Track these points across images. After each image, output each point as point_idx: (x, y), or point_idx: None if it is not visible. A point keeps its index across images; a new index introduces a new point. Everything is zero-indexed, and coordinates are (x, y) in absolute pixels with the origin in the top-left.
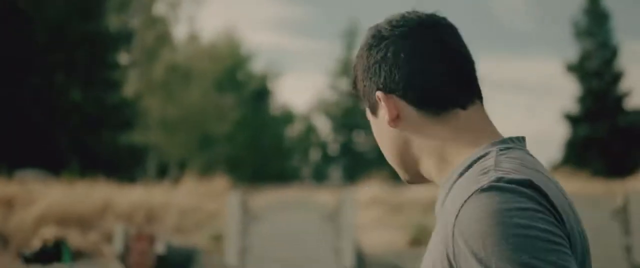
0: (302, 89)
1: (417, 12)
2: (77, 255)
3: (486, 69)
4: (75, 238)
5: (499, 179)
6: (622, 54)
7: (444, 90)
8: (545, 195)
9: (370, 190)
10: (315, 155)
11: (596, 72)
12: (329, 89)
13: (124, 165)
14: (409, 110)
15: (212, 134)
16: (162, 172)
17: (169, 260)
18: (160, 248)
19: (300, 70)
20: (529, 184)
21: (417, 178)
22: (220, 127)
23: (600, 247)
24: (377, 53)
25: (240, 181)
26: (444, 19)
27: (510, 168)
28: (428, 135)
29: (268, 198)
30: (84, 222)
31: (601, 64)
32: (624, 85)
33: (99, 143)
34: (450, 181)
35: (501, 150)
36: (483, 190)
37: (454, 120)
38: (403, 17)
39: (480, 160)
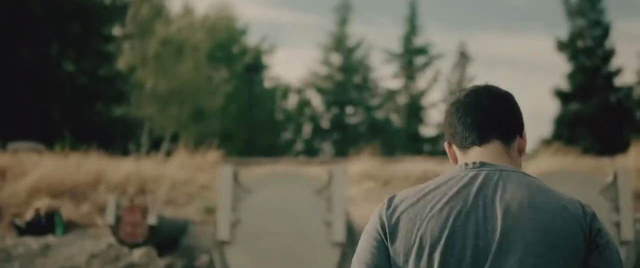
0: (295, 63)
1: (473, 86)
2: (70, 226)
3: (480, 46)
4: (67, 210)
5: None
6: (613, 33)
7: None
8: (391, 207)
9: (361, 164)
10: (307, 129)
11: (587, 50)
12: (322, 64)
13: (117, 138)
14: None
15: (204, 107)
16: (155, 145)
17: (160, 232)
18: (152, 219)
19: (294, 44)
20: (388, 198)
21: None
22: (213, 100)
23: None
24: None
25: (233, 154)
26: (484, 86)
27: (410, 188)
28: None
29: (260, 171)
30: (76, 194)
31: (592, 42)
32: (615, 63)
33: (92, 116)
34: None
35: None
36: None
37: (472, 153)
38: (459, 90)
39: None
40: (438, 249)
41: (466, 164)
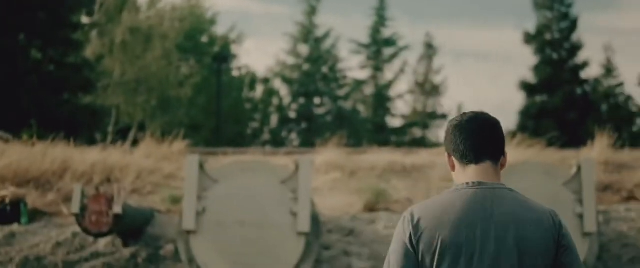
0: (264, 53)
1: (470, 112)
2: (35, 214)
3: (448, 38)
4: (33, 198)
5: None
6: (580, 26)
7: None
8: (414, 220)
9: (327, 154)
10: (274, 119)
11: (554, 43)
12: (289, 54)
13: (84, 127)
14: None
15: (172, 96)
16: (122, 134)
17: (126, 221)
18: (117, 208)
19: (263, 34)
20: (410, 212)
21: None
22: (180, 90)
23: None
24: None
25: (199, 144)
26: (480, 114)
27: (420, 204)
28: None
29: (226, 161)
30: (42, 182)
31: (559, 35)
32: (581, 56)
33: (59, 104)
34: None
35: (454, 190)
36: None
37: (469, 170)
38: (460, 115)
39: None
40: (453, 253)
41: (467, 183)
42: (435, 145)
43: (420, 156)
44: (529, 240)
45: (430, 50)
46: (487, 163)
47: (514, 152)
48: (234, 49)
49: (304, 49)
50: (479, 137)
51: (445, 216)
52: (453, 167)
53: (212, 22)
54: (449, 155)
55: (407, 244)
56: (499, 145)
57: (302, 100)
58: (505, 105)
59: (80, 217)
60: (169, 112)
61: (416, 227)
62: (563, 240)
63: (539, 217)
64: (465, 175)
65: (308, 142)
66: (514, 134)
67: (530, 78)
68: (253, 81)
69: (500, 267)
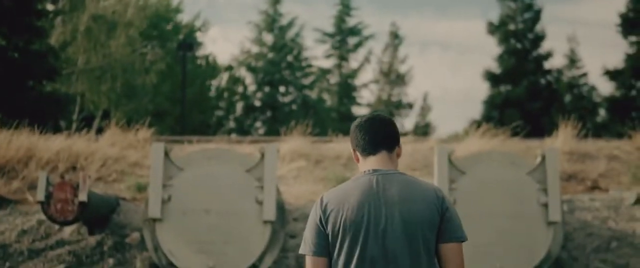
0: (230, 41)
1: (369, 114)
2: (0, 202)
3: (414, 28)
4: None
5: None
6: (544, 16)
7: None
8: (321, 203)
9: (292, 142)
10: (239, 107)
11: (518, 33)
12: (254, 42)
13: (49, 114)
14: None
15: (137, 84)
16: (87, 122)
17: (91, 209)
18: (82, 196)
19: (228, 22)
20: (320, 198)
21: None
22: (145, 78)
23: (518, 205)
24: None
25: (165, 132)
26: (376, 114)
27: (332, 189)
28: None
29: (191, 149)
30: (7, 170)
31: (523, 25)
32: (545, 46)
33: (23, 92)
34: None
35: (355, 178)
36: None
37: (369, 160)
38: (361, 116)
39: None
40: (353, 230)
41: (365, 171)
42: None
43: None
44: (414, 213)
45: (395, 39)
46: (383, 153)
47: (478, 141)
48: (199, 37)
49: (268, 38)
50: (375, 133)
51: (346, 199)
52: (357, 160)
53: (178, 10)
54: (354, 150)
55: (318, 224)
56: (392, 138)
57: (267, 89)
58: (470, 95)
59: (45, 205)
60: (133, 100)
61: (324, 210)
62: (446, 212)
63: (423, 194)
64: (366, 164)
65: (273, 130)
66: (478, 124)
67: (495, 68)
68: (217, 69)
69: (389, 237)
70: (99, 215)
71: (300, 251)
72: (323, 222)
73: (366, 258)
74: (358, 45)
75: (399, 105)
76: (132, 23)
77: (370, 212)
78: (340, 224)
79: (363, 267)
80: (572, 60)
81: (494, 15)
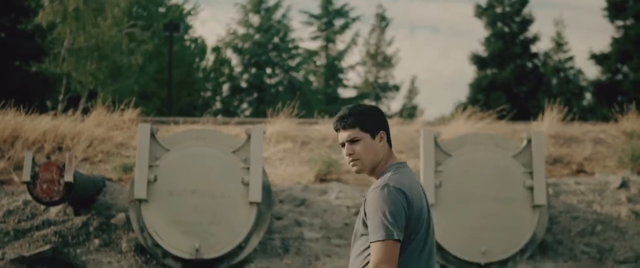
0: (215, 22)
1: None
2: None
3: (403, 11)
4: None
5: (386, 184)
6: (531, 0)
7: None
8: (404, 193)
9: (279, 124)
10: (225, 88)
11: (505, 16)
12: (240, 24)
13: (35, 94)
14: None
15: (123, 65)
16: (73, 102)
17: (77, 189)
18: (68, 177)
19: (217, 3)
20: (399, 186)
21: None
22: (132, 58)
23: (503, 188)
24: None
25: (151, 113)
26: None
27: (395, 179)
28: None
29: (178, 130)
30: None
31: (511, 8)
32: (532, 29)
33: (10, 72)
34: (382, 176)
35: (396, 169)
36: (382, 185)
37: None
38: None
39: (389, 173)
40: (424, 219)
41: (402, 162)
42: (387, 116)
43: None
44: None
45: (382, 21)
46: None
47: (464, 124)
48: (187, 18)
49: (255, 19)
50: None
51: (414, 191)
52: (383, 145)
53: None
54: (382, 131)
55: (405, 210)
56: None
57: (253, 70)
58: (457, 78)
59: (31, 185)
60: (120, 81)
61: (408, 199)
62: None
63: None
64: (391, 155)
65: (259, 112)
66: (464, 106)
67: (481, 51)
68: (204, 50)
69: (433, 230)
70: (85, 195)
71: (385, 237)
72: (407, 211)
73: (427, 249)
74: (344, 27)
75: (385, 88)
76: (120, 4)
77: (426, 206)
78: (418, 215)
79: (428, 258)
80: (559, 44)
81: None
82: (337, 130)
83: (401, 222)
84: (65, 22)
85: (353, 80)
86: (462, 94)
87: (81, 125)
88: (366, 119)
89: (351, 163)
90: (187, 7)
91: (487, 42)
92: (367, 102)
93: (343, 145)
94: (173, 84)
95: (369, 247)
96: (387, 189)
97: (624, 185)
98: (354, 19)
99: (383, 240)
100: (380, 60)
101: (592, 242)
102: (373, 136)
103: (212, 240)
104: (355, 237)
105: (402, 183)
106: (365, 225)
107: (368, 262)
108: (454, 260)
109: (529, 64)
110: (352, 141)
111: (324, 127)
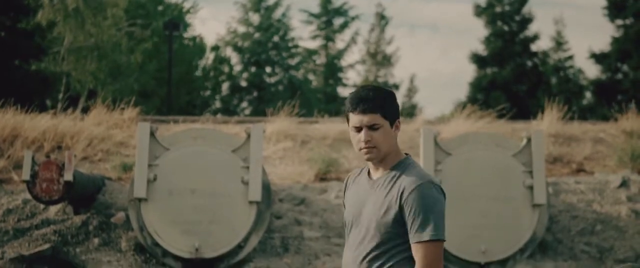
0: (215, 21)
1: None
2: None
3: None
4: None
5: (431, 181)
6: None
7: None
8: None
9: (278, 123)
10: (225, 87)
11: (505, 15)
12: (240, 22)
13: (35, 93)
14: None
15: (122, 63)
16: (73, 101)
17: (77, 188)
18: (68, 176)
19: (217, 2)
20: (441, 187)
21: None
22: (132, 57)
23: (503, 187)
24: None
25: (151, 112)
26: None
27: (432, 176)
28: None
29: (177, 129)
30: None
31: (510, 7)
32: (532, 28)
33: (10, 70)
34: (402, 166)
35: (415, 163)
36: (427, 181)
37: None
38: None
39: (410, 163)
40: None
41: (408, 155)
42: None
43: None
44: None
45: (382, 20)
46: None
47: (464, 123)
48: (186, 16)
49: (255, 18)
50: None
51: None
52: (396, 130)
53: None
54: (399, 122)
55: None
56: None
57: (253, 69)
58: (456, 77)
59: (30, 184)
60: (119, 79)
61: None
62: None
63: None
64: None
65: (259, 111)
66: (464, 105)
67: (481, 50)
68: (202, 49)
69: None
70: (84, 194)
71: (440, 236)
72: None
73: None
74: (344, 26)
75: (385, 87)
76: (118, 3)
77: None
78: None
79: None
80: (559, 43)
81: None
82: (353, 111)
83: (444, 216)
84: (65, 21)
85: (353, 79)
86: (462, 92)
87: (81, 124)
88: (389, 104)
89: (366, 150)
90: (186, 5)
91: (487, 41)
92: None
93: (358, 129)
94: (173, 82)
95: (398, 244)
96: (435, 187)
97: (623, 184)
98: (353, 18)
99: (437, 241)
100: (380, 59)
101: (592, 241)
102: (392, 124)
103: (211, 240)
104: (363, 229)
105: (435, 177)
106: (396, 221)
107: (397, 261)
108: (454, 259)
109: (529, 63)
110: (372, 127)
111: (324, 126)
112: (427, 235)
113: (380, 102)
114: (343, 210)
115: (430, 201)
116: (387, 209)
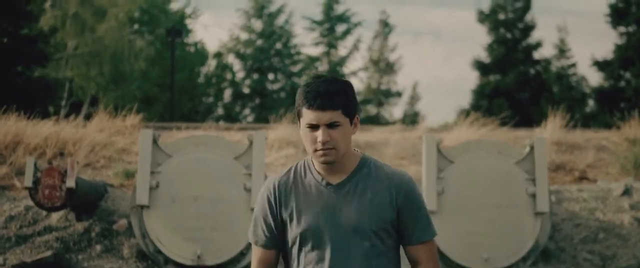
0: (218, 27)
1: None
2: None
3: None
4: None
5: (411, 177)
6: (534, 6)
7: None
8: None
9: (281, 130)
10: (227, 94)
11: (508, 23)
12: (243, 29)
13: (37, 99)
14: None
15: (125, 70)
16: (75, 108)
17: (79, 195)
18: (70, 182)
19: (219, 8)
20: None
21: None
22: (134, 63)
23: (505, 195)
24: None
25: (153, 118)
26: None
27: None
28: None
29: (180, 136)
30: None
31: (513, 14)
32: (535, 36)
33: (12, 77)
34: (366, 165)
35: (374, 159)
36: (410, 177)
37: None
38: None
39: (373, 161)
40: None
41: (357, 150)
42: (389, 122)
43: (374, 133)
44: None
45: (385, 27)
46: None
47: (467, 131)
48: (189, 23)
49: (257, 25)
50: None
51: None
52: (355, 128)
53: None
54: (358, 117)
55: None
56: None
57: (255, 76)
58: (459, 84)
59: (33, 191)
60: (122, 86)
61: None
62: None
63: None
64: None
65: (262, 118)
66: (467, 113)
67: (484, 57)
68: (205, 55)
69: None
70: (86, 201)
71: (436, 233)
72: None
73: None
74: (346, 33)
75: (387, 94)
76: (122, 8)
77: None
78: None
79: None
80: (562, 50)
81: (487, 4)
82: (309, 106)
83: None
84: (64, 27)
85: (355, 86)
86: (465, 100)
87: (83, 131)
88: (349, 100)
89: (323, 152)
90: (188, 11)
91: (490, 48)
92: (370, 108)
93: (314, 127)
94: (175, 89)
95: (389, 249)
96: (416, 183)
97: (626, 192)
98: (356, 25)
99: (433, 238)
100: (382, 66)
101: (594, 249)
102: (351, 121)
103: (213, 247)
104: (339, 239)
105: None
106: (390, 224)
107: (393, 264)
108: (456, 267)
109: (532, 71)
110: (331, 125)
111: None
112: (430, 233)
113: (340, 98)
114: (267, 223)
115: (422, 198)
116: (379, 214)
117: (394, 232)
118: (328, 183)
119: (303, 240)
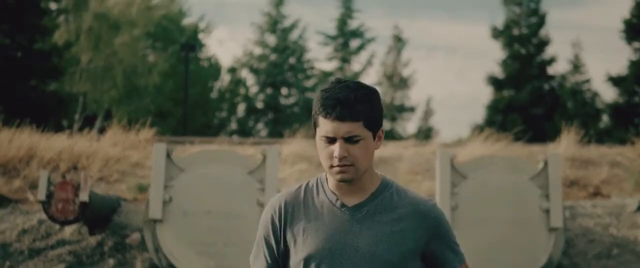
0: (232, 42)
1: None
2: (1, 201)
3: (421, 31)
4: None
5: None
6: (548, 22)
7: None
8: None
9: (295, 145)
10: (241, 109)
11: (522, 38)
12: (257, 44)
13: (51, 113)
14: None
15: (139, 84)
16: (89, 122)
17: (92, 209)
18: (83, 196)
19: (234, 23)
20: None
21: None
22: (148, 78)
23: (519, 210)
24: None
25: (167, 133)
26: None
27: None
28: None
29: (193, 150)
30: (8, 169)
31: (527, 30)
32: (549, 51)
33: (26, 91)
34: (388, 188)
35: (393, 181)
36: (435, 203)
37: None
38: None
39: (395, 184)
40: None
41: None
42: (402, 137)
43: (388, 148)
44: None
45: (399, 42)
46: None
47: (481, 146)
48: (203, 38)
49: (271, 39)
50: None
51: None
52: (378, 142)
53: (183, 14)
54: (382, 131)
55: None
56: None
57: (269, 91)
58: (473, 99)
59: (46, 204)
60: (136, 100)
61: None
62: None
63: None
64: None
65: (275, 132)
66: (481, 128)
67: (498, 73)
68: (219, 70)
69: None
70: (99, 215)
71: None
72: None
73: None
74: (360, 48)
75: (401, 109)
76: (136, 23)
77: None
78: None
79: None
80: (576, 66)
81: (501, 20)
82: (326, 115)
83: None
84: (77, 42)
85: None
86: (478, 115)
87: (97, 145)
88: (373, 110)
89: (339, 169)
90: (202, 25)
91: (504, 63)
92: (383, 123)
93: (329, 139)
94: (189, 103)
95: None
96: (442, 209)
97: None
98: (369, 40)
99: (465, 261)
100: (396, 81)
101: (608, 265)
102: (374, 136)
103: (227, 262)
104: (375, 265)
105: None
106: (417, 252)
107: None
108: None
109: (546, 86)
110: (350, 139)
111: None
112: (461, 258)
113: (363, 107)
114: (269, 246)
115: (449, 225)
116: (401, 243)
117: (416, 264)
118: (343, 205)
119: (307, 266)
